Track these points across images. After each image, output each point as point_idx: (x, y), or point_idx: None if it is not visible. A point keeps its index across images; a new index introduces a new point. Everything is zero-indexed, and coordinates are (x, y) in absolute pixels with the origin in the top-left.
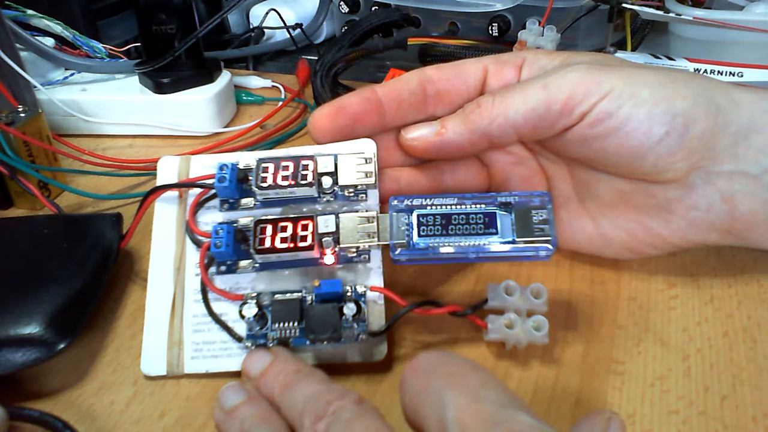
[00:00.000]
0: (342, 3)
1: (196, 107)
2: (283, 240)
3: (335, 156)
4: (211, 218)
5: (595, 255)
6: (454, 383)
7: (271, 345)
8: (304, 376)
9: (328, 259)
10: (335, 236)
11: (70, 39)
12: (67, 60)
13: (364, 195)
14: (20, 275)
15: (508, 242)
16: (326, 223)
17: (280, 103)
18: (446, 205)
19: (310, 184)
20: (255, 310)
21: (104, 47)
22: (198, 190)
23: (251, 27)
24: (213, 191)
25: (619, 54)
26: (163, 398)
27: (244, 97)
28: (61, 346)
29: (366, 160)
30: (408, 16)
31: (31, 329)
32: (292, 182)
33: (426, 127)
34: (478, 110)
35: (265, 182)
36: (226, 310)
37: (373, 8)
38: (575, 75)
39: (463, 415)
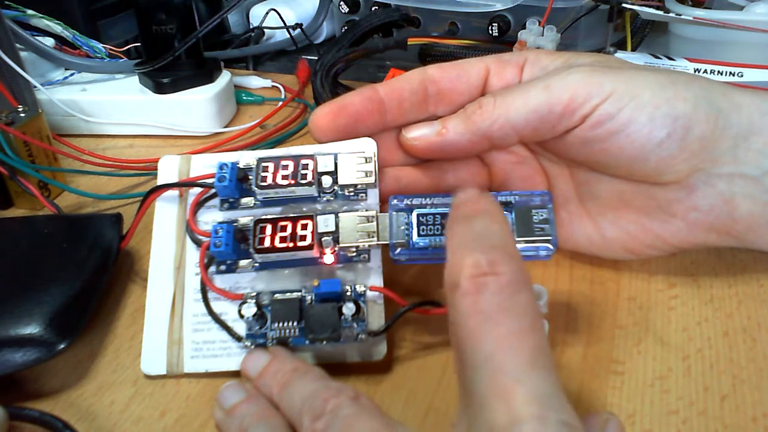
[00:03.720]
0: (342, 3)
1: (196, 107)
2: (283, 239)
3: (335, 155)
4: (211, 217)
5: (595, 255)
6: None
7: (270, 344)
8: (301, 374)
9: (328, 258)
10: (335, 236)
11: (70, 39)
12: (67, 60)
13: (364, 194)
14: (20, 275)
15: None
16: (326, 223)
17: (280, 103)
18: (446, 204)
19: (310, 184)
20: (254, 309)
21: (104, 47)
22: (198, 190)
23: (251, 27)
24: (213, 190)
25: (619, 54)
26: (163, 398)
27: (244, 97)
28: (61, 346)
29: (366, 160)
30: (408, 16)
31: (31, 329)
32: (292, 181)
33: (427, 126)
34: (480, 111)
35: (265, 181)
36: (226, 309)
37: (373, 8)
38: (577, 77)
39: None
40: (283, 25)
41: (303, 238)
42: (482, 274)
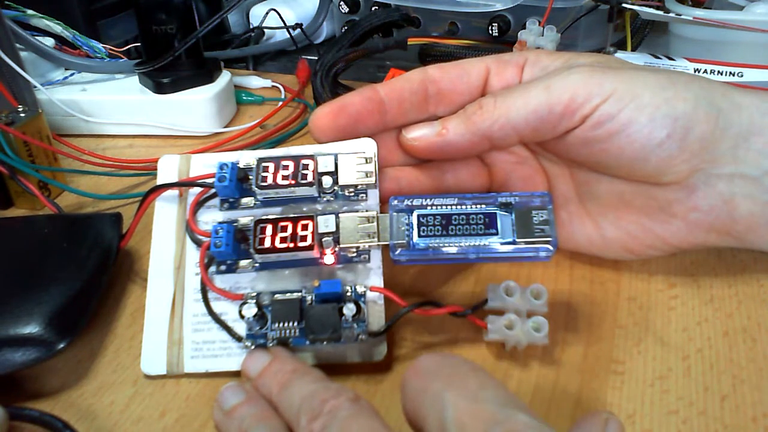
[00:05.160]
0: (342, 3)
1: (196, 107)
2: (283, 240)
3: (335, 155)
4: (211, 217)
5: (595, 255)
6: (453, 384)
7: (270, 345)
8: (300, 375)
9: (328, 259)
10: (335, 236)
11: (70, 39)
12: (67, 60)
13: (364, 195)
14: (20, 275)
15: (509, 243)
16: (326, 223)
17: (280, 103)
18: (446, 205)
19: (310, 184)
20: (255, 309)
21: (104, 47)
22: (198, 189)
23: (251, 27)
24: (213, 190)
25: (619, 54)
26: (163, 398)
27: (244, 97)
28: (61, 345)
29: (366, 160)
30: (408, 16)
31: (31, 329)
32: (293, 182)
33: (427, 127)
34: (480, 111)
35: (266, 181)
36: (226, 309)
37: (373, 8)
38: (577, 77)
39: (463, 415)
40: (283, 25)
41: (303, 238)
42: None
